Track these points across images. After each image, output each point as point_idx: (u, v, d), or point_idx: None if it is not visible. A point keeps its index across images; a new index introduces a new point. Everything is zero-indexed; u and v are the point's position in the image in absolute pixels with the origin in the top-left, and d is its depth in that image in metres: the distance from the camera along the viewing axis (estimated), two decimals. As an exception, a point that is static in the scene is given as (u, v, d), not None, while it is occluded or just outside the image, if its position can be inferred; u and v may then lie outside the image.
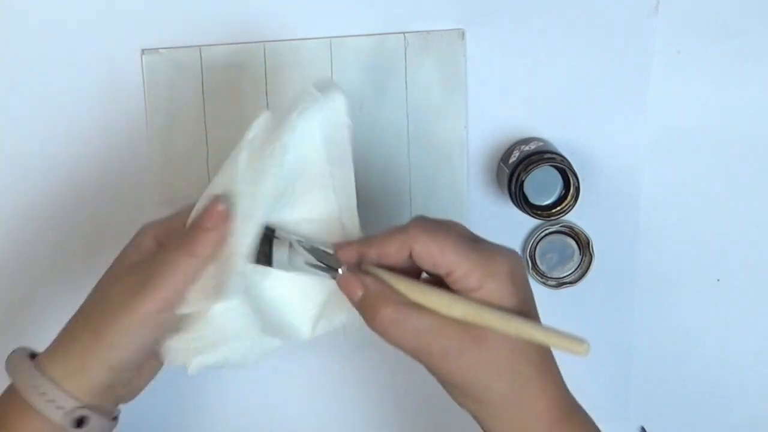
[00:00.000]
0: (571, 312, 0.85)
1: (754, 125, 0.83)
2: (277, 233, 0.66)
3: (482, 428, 0.65)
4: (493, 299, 0.62)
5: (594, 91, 0.82)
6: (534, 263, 0.84)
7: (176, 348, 0.67)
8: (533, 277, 0.84)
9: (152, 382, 0.78)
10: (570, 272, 0.84)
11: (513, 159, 0.79)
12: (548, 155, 0.77)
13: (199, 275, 0.65)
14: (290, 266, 0.66)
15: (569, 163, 0.78)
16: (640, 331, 0.86)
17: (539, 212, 0.78)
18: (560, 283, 0.85)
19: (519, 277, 0.63)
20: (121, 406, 0.71)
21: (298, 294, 0.68)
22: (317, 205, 0.68)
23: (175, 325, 0.66)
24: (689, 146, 0.83)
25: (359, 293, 0.63)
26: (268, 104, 0.81)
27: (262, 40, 0.80)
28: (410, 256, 0.63)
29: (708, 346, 0.87)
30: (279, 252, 0.66)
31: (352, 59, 0.80)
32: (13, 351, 0.68)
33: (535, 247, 0.84)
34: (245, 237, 0.64)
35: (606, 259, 0.84)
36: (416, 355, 0.62)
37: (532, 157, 0.77)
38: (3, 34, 0.79)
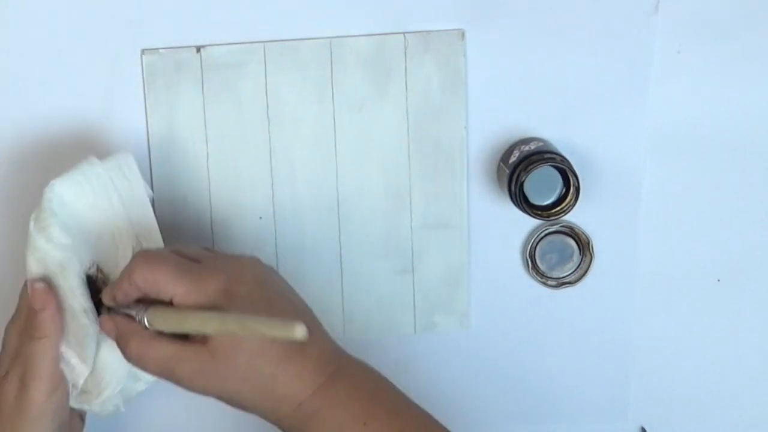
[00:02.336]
0: (571, 312, 0.85)
1: (754, 125, 0.83)
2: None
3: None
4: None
5: (594, 91, 0.82)
6: (534, 263, 0.84)
7: (77, 400, 0.74)
8: (533, 277, 0.84)
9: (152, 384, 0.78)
10: (570, 272, 0.84)
11: (513, 159, 0.79)
12: (548, 155, 0.77)
13: (59, 348, 0.72)
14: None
15: (569, 163, 0.78)
16: (640, 331, 0.86)
17: (539, 212, 0.78)
18: (560, 283, 0.84)
19: (234, 290, 0.69)
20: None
21: None
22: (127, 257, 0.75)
23: (69, 396, 0.74)
24: (689, 146, 0.83)
25: (113, 332, 0.70)
26: (268, 104, 0.81)
27: (262, 40, 0.80)
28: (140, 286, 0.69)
29: (708, 346, 0.87)
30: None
31: (352, 59, 0.80)
32: None
33: (535, 247, 0.84)
34: (75, 299, 0.72)
35: (606, 259, 0.84)
36: (169, 380, 0.69)
37: (532, 157, 0.77)
38: (2, 34, 0.79)
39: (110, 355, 0.74)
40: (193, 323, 0.67)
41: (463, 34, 0.80)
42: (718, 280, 0.86)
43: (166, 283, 0.68)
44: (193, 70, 0.80)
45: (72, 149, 0.81)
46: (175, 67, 0.80)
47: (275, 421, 0.70)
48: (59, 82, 0.80)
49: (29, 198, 0.81)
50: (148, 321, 0.69)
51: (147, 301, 0.70)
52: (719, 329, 0.86)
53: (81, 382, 0.74)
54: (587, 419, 0.87)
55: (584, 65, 0.81)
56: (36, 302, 0.71)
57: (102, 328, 0.71)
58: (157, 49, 0.80)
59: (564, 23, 0.80)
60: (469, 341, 0.85)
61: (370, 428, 0.69)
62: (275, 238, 0.83)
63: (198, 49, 0.80)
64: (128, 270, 0.70)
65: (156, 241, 0.77)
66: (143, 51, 0.80)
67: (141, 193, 0.76)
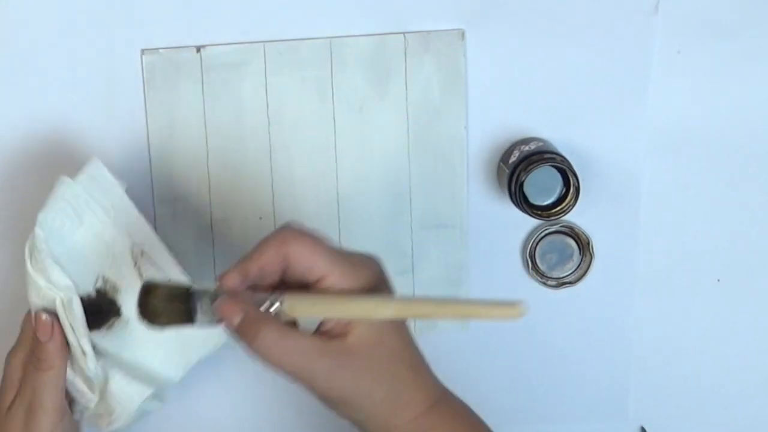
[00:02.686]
0: (571, 312, 0.85)
1: (755, 125, 0.83)
2: (193, 288, 0.66)
3: (360, 429, 0.67)
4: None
5: (594, 91, 0.82)
6: (534, 263, 0.84)
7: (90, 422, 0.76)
8: (533, 277, 0.84)
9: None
10: (570, 272, 0.84)
11: (513, 159, 0.79)
12: (548, 155, 0.77)
13: (65, 378, 0.72)
14: (210, 318, 0.66)
15: (569, 163, 0.78)
16: (640, 331, 0.86)
17: (539, 212, 0.78)
18: (560, 283, 0.84)
19: (384, 280, 0.66)
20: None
21: (153, 345, 0.75)
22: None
23: (77, 428, 0.75)
24: (689, 146, 0.83)
25: (237, 318, 0.63)
26: (268, 104, 0.81)
27: (262, 40, 0.80)
28: (285, 261, 0.64)
29: (708, 346, 0.87)
30: (200, 305, 0.66)
31: (352, 59, 0.80)
32: None
33: (535, 247, 0.84)
34: (76, 339, 0.72)
35: (606, 259, 0.84)
36: (298, 375, 0.64)
37: (532, 157, 0.77)
38: (2, 34, 0.79)
39: (122, 381, 0.74)
40: (362, 309, 0.63)
41: (463, 34, 0.80)
42: (718, 280, 0.86)
43: (319, 262, 0.63)
44: (193, 70, 0.80)
45: (72, 149, 0.81)
46: (175, 67, 0.80)
47: None
48: (59, 82, 0.80)
49: (29, 198, 0.81)
50: (284, 308, 0.63)
51: (264, 287, 0.65)
52: (719, 329, 0.86)
53: (92, 406, 0.74)
54: (587, 419, 0.87)
55: (584, 65, 0.81)
56: (42, 334, 0.71)
57: (222, 312, 0.64)
58: (157, 49, 0.80)
59: (564, 23, 0.80)
60: (469, 341, 0.85)
61: None
62: (275, 238, 0.83)
63: (198, 49, 0.80)
64: (276, 240, 0.64)
65: (148, 234, 0.76)
66: (143, 51, 0.80)
67: (120, 196, 0.76)
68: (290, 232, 0.65)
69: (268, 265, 0.64)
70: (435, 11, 0.80)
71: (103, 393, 0.75)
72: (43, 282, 0.71)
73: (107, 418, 0.75)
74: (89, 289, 0.74)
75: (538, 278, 0.84)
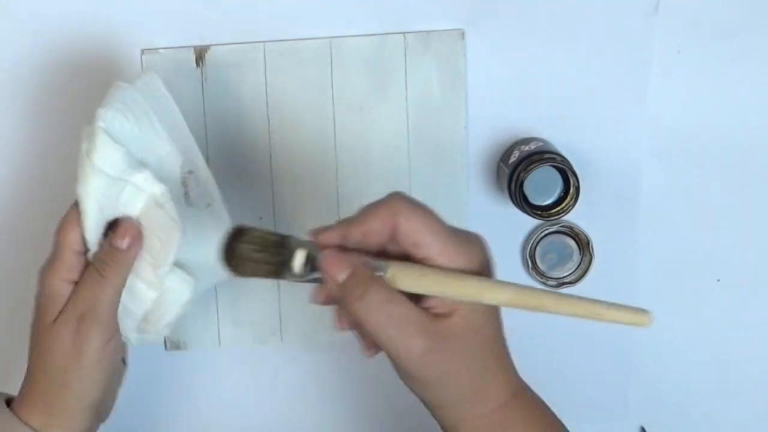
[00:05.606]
0: (571, 312, 0.85)
1: (754, 125, 0.83)
2: (291, 239, 0.63)
3: (433, 412, 0.64)
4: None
5: (594, 91, 0.82)
6: (534, 263, 0.84)
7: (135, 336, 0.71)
8: (533, 277, 0.84)
9: (150, 385, 0.79)
10: (570, 272, 0.85)
11: (513, 159, 0.79)
12: (548, 155, 0.77)
13: (121, 292, 0.68)
14: (303, 273, 0.63)
15: (569, 163, 0.78)
16: (640, 330, 0.86)
17: (539, 212, 0.78)
18: (560, 283, 0.85)
19: (489, 262, 0.63)
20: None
21: (206, 243, 0.68)
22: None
23: (123, 348, 0.71)
24: (689, 146, 0.83)
25: (344, 273, 0.61)
26: (268, 104, 0.81)
27: (262, 40, 0.80)
28: (391, 232, 0.61)
29: (708, 346, 0.87)
30: (295, 258, 0.63)
31: (352, 59, 0.80)
32: None
33: (535, 247, 0.84)
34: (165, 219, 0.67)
35: (606, 259, 0.84)
36: (392, 344, 0.60)
37: (532, 157, 0.77)
38: (2, 34, 0.79)
39: (175, 276, 0.69)
40: (475, 290, 0.60)
41: (463, 34, 0.80)
42: (718, 280, 0.86)
43: (431, 239, 0.60)
44: (193, 70, 0.80)
45: (72, 149, 0.81)
46: (175, 67, 0.80)
47: (461, 420, 0.63)
48: (59, 82, 0.80)
49: (29, 198, 0.81)
50: (387, 277, 0.60)
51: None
52: (719, 329, 0.86)
53: (147, 307, 0.70)
54: (587, 419, 0.87)
55: (584, 65, 0.81)
56: (120, 239, 0.67)
57: (328, 265, 0.61)
58: (157, 49, 0.80)
59: (564, 23, 0.80)
60: (469, 341, 0.85)
61: None
62: (275, 238, 0.83)
63: (198, 49, 0.80)
64: (386, 207, 0.61)
65: (197, 156, 0.73)
66: (143, 51, 0.80)
67: (174, 111, 0.72)
68: (401, 203, 0.61)
69: (373, 233, 0.61)
70: (435, 11, 0.80)
71: (162, 289, 0.70)
72: (140, 177, 0.67)
73: (154, 321, 0.70)
74: None
75: (538, 278, 0.84)
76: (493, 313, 0.64)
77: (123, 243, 0.67)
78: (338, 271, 0.61)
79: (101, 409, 0.71)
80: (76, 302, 0.67)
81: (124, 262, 0.67)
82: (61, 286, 0.68)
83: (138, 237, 0.67)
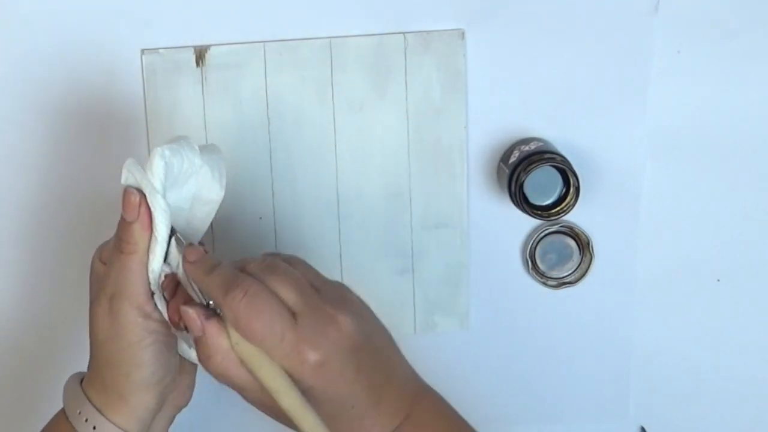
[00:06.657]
0: (571, 312, 0.85)
1: (755, 125, 0.83)
2: (177, 236, 0.67)
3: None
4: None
5: (594, 91, 0.82)
6: (534, 263, 0.84)
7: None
8: (533, 277, 0.84)
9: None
10: (570, 272, 0.85)
11: (513, 159, 0.79)
12: (548, 155, 0.77)
13: (148, 266, 0.67)
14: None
15: (569, 163, 0.78)
16: (640, 331, 0.86)
17: (539, 212, 0.78)
18: (560, 283, 0.85)
19: (330, 366, 0.63)
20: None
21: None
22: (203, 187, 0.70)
23: (174, 339, 0.70)
24: (689, 146, 0.83)
25: (198, 333, 0.64)
26: (268, 104, 0.81)
27: (262, 40, 0.80)
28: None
29: (708, 346, 0.87)
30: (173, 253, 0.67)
31: (352, 59, 0.80)
32: (72, 375, 0.71)
33: (535, 247, 0.84)
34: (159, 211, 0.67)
35: (606, 259, 0.84)
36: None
37: (532, 157, 0.77)
38: (2, 34, 0.79)
39: None
40: (272, 384, 0.63)
41: (463, 34, 0.80)
42: (718, 280, 0.86)
43: (267, 336, 0.63)
44: (193, 70, 0.80)
45: (72, 149, 0.81)
46: (175, 67, 0.80)
47: None
48: (59, 82, 0.80)
49: (29, 199, 0.81)
50: (232, 341, 0.64)
51: None
52: (719, 329, 0.86)
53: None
54: (587, 419, 0.87)
55: (584, 65, 0.81)
56: (129, 213, 0.67)
57: (186, 319, 0.65)
58: (157, 49, 0.80)
59: (564, 23, 0.80)
60: (469, 341, 0.85)
61: None
62: (275, 238, 0.83)
63: (198, 49, 0.80)
64: (225, 297, 0.63)
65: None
66: (143, 51, 0.80)
67: (214, 203, 0.71)
68: (237, 295, 0.64)
69: (212, 303, 0.65)
70: (435, 11, 0.80)
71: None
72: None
73: None
74: None
75: (538, 278, 0.84)
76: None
77: (129, 215, 0.67)
78: (193, 327, 0.65)
79: (166, 394, 0.70)
80: (107, 282, 0.68)
81: (136, 235, 0.67)
82: (100, 267, 0.70)
83: (140, 206, 0.66)
